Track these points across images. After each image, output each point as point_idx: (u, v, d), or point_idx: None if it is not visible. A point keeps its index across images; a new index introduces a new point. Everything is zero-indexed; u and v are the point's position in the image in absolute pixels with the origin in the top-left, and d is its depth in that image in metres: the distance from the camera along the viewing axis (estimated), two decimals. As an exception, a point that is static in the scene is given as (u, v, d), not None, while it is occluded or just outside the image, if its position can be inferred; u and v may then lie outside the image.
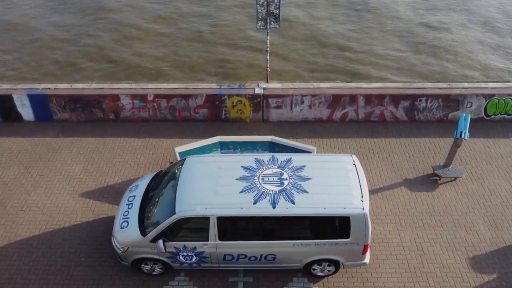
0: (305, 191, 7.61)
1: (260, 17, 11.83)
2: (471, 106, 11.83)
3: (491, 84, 12.06)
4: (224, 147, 10.33)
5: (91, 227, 9.39)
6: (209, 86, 12.00)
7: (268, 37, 12.40)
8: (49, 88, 12.01)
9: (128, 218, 8.15)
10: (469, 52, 17.98)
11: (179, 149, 10.14)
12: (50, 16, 20.16)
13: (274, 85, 12.09)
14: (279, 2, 11.60)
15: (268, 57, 12.68)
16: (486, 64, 17.35)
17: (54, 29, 19.14)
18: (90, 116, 12.14)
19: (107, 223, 9.40)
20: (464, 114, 9.65)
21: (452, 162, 10.39)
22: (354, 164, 8.17)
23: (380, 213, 9.61)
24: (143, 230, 7.87)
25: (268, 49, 12.57)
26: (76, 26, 19.31)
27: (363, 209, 7.39)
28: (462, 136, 9.62)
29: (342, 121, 12.09)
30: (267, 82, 12.81)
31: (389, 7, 21.03)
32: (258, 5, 11.65)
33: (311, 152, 9.95)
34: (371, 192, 10.03)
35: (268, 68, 12.78)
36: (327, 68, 17.10)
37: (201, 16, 20.32)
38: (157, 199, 8.20)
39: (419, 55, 17.84)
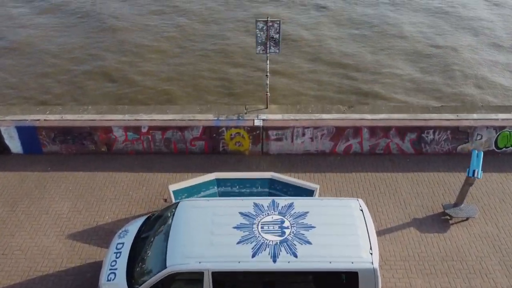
0: (309, 242, 6.98)
1: (259, 41, 11.49)
2: (481, 139, 11.27)
3: (501, 115, 11.53)
4: (221, 184, 9.73)
5: (77, 273, 8.70)
6: (206, 118, 11.46)
7: (268, 62, 11.97)
8: (38, 120, 11.46)
9: (116, 269, 7.49)
10: (475, 71, 17.74)
11: (173, 187, 9.54)
12: (53, 36, 20.10)
13: (274, 117, 11.56)
14: (279, 26, 11.24)
15: (268, 82, 12.24)
16: (492, 83, 17.06)
17: (56, 49, 19.07)
18: (81, 148, 11.57)
19: (95, 269, 8.72)
20: (477, 151, 9.08)
21: (464, 201, 9.76)
22: (361, 210, 7.56)
23: (388, 257, 8.94)
24: (131, 283, 7.21)
25: (268, 74, 12.13)
26: (79, 46, 19.24)
27: (372, 263, 6.75)
28: (475, 175, 9.03)
29: (346, 154, 11.51)
30: (267, 107, 12.35)
31: (395, 27, 20.88)
32: (257, 30, 11.31)
33: (313, 191, 9.35)
34: (378, 233, 9.38)
35: (268, 93, 12.33)
36: (331, 88, 16.86)
37: (205, 36, 20.21)
38: (147, 249, 7.55)
39: (425, 74, 17.55)
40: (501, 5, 23.12)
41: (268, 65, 12.05)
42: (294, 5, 23.27)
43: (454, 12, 22.44)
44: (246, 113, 12.06)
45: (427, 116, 11.53)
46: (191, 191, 9.54)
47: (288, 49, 18.95)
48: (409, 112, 12.09)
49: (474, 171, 9.05)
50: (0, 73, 17.56)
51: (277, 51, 11.59)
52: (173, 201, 9.29)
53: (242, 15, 21.93)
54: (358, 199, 7.83)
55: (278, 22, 11.19)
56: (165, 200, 10.27)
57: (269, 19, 11.19)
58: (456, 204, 9.73)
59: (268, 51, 11.57)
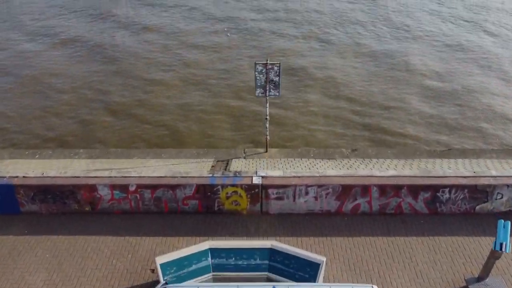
0: None
1: (259, 84, 10.90)
2: (501, 198, 10.26)
3: (522, 172, 10.58)
4: (215, 255, 8.65)
5: None
6: (200, 174, 10.49)
7: (268, 104, 11.22)
8: (16, 177, 10.50)
9: None
10: (485, 107, 17.15)
11: (160, 259, 8.43)
12: (57, 73, 19.89)
13: (274, 173, 10.59)
14: (279, 69, 10.64)
15: (267, 125, 11.48)
16: (502, 119, 16.48)
17: (61, 84, 18.83)
18: (63, 208, 10.55)
19: None
20: (503, 222, 8.05)
21: (489, 274, 8.66)
22: (377, 301, 6.47)
23: None
24: None
25: (268, 117, 11.38)
26: (82, 81, 19.01)
27: None
28: (503, 249, 7.97)
29: (354, 214, 10.47)
30: (266, 151, 11.63)
31: (402, 62, 20.59)
32: (256, 73, 10.73)
33: (319, 264, 8.27)
34: (394, 314, 8.24)
35: (268, 137, 11.55)
36: (336, 123, 16.31)
37: (209, 71, 19.85)
38: None
39: (433, 110, 16.98)
40: (510, 41, 22.89)
41: (267, 109, 11.32)
42: (298, 39, 23.00)
43: (462, 47, 22.13)
44: (245, 157, 11.32)
45: (441, 172, 10.56)
46: (181, 264, 8.46)
47: (292, 83, 18.54)
48: (416, 155, 11.47)
49: (501, 244, 7.99)
50: (1, 107, 17.33)
51: (277, 94, 10.99)
52: (160, 277, 8.21)
53: (248, 52, 21.72)
54: (373, 285, 6.75)
55: (278, 65, 10.63)
56: (152, 271, 9.17)
57: (268, 61, 10.58)
58: (480, 278, 8.62)
59: (267, 94, 10.91)
